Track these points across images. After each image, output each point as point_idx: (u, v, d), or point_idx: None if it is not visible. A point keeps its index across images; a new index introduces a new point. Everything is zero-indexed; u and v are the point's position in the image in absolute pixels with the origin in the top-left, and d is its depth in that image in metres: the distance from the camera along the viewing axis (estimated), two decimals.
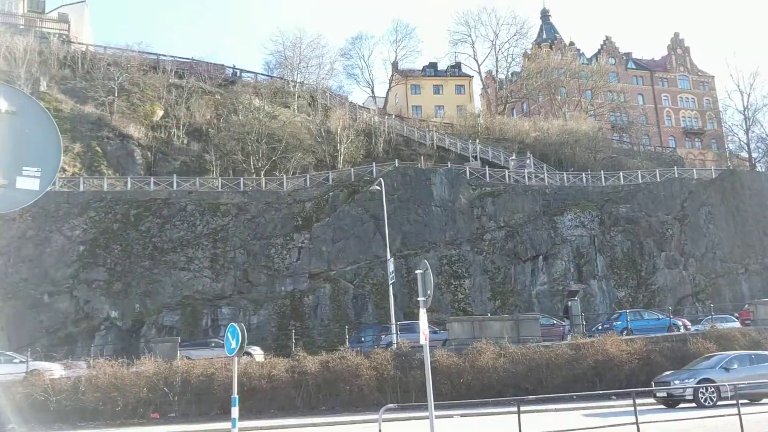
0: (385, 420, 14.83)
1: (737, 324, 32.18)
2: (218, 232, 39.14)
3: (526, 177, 47.92)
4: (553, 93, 73.69)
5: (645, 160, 59.93)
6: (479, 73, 78.29)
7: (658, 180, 48.47)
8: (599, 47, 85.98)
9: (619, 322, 30.96)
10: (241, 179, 43.29)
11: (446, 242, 40.80)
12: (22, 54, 47.03)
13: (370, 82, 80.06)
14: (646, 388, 20.49)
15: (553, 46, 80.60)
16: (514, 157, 52.23)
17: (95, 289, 36.03)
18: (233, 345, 13.97)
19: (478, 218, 42.47)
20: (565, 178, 48.16)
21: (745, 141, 66.98)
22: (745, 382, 19.16)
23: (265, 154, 46.98)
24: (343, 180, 44.03)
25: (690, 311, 40.15)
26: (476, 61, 77.11)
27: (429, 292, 13.39)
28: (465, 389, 23.42)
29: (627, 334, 28.67)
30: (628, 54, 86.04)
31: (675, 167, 53.90)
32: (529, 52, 79.05)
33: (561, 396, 19.98)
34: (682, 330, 29.92)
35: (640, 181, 48.36)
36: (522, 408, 13.61)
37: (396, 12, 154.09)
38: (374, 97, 75.77)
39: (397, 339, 27.48)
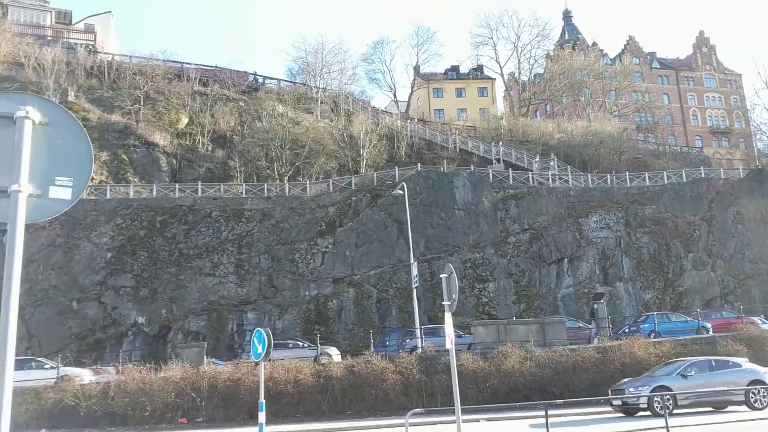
0: (411, 424, 14.83)
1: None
2: (243, 238, 39.45)
3: (550, 179, 47.61)
4: (576, 94, 73.13)
5: (671, 160, 59.24)
6: (501, 75, 78.16)
7: (685, 180, 47.78)
8: (623, 47, 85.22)
9: (646, 325, 30.61)
10: (265, 185, 43.56)
11: (470, 246, 40.66)
12: (50, 65, 47.93)
13: (392, 87, 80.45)
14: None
15: (576, 47, 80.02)
16: (537, 159, 51.87)
17: (122, 295, 36.51)
18: (259, 350, 14.05)
19: (502, 221, 42.27)
20: (589, 179, 47.74)
21: None
22: (704, 389, 18.72)
23: (288, 160, 47.26)
24: (365, 184, 44.13)
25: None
26: (498, 63, 77.08)
27: (454, 296, 13.40)
28: (491, 393, 23.37)
29: (654, 337, 28.35)
30: (652, 53, 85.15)
31: (702, 167, 53.05)
32: (552, 54, 78.54)
33: (588, 400, 19.77)
34: (711, 333, 29.48)
35: (666, 182, 47.75)
36: (549, 412, 13.53)
37: (417, 16, 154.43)
38: (396, 102, 75.79)
39: (422, 343, 27.49)
